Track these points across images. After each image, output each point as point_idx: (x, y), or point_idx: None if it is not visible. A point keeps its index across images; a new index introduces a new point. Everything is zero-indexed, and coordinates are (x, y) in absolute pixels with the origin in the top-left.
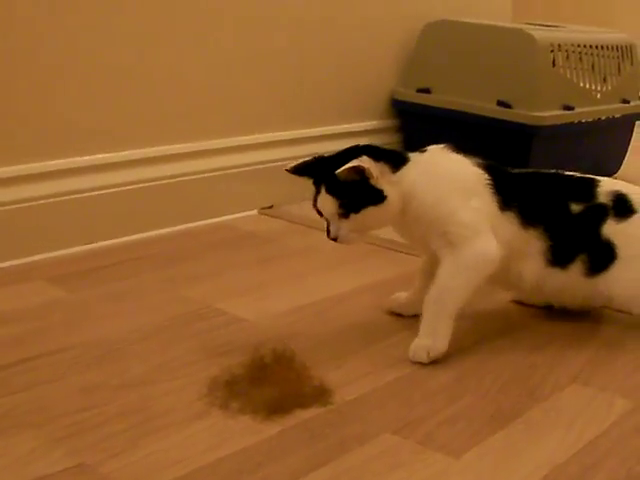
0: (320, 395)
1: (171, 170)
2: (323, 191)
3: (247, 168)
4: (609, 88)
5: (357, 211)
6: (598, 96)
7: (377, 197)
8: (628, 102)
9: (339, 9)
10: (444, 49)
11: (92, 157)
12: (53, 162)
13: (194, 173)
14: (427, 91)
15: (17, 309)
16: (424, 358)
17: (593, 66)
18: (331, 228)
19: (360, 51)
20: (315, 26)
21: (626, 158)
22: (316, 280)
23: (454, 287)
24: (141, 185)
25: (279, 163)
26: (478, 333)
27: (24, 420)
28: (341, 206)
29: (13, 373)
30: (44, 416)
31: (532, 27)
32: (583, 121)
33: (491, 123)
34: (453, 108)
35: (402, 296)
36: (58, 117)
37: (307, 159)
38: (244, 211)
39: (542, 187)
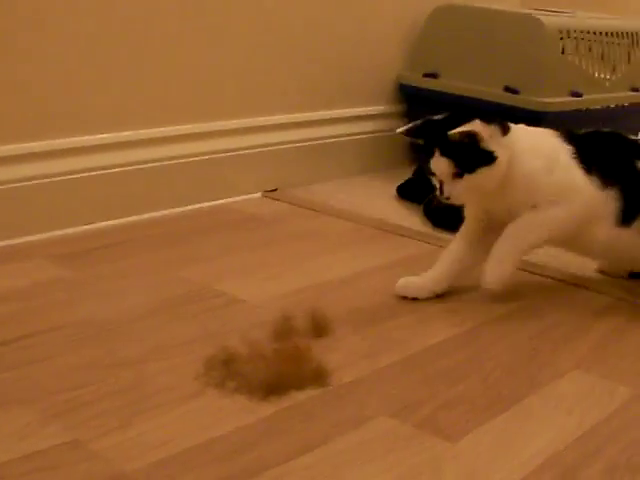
0: (317, 377)
1: (174, 151)
2: (437, 153)
3: (251, 151)
4: (618, 76)
5: (471, 171)
6: (607, 84)
7: (489, 158)
8: (638, 90)
9: None
10: (452, 34)
11: (93, 137)
12: (54, 141)
13: (197, 155)
14: (434, 76)
15: (15, 287)
16: (494, 283)
17: (602, 53)
18: (445, 188)
19: (367, 35)
20: (322, 9)
21: None
22: (318, 263)
23: (533, 230)
24: (143, 166)
25: (284, 146)
26: (481, 317)
27: (18, 396)
28: (456, 167)
29: (9, 350)
30: (38, 393)
31: (541, 13)
32: (591, 108)
33: (498, 109)
34: (460, 93)
35: (416, 280)
36: (63, 95)
37: (417, 122)
38: (248, 194)
39: (612, 148)
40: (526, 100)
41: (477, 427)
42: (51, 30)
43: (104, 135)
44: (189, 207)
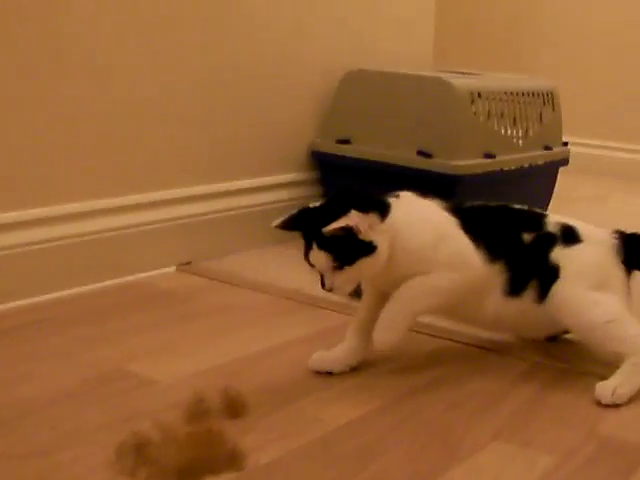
0: (232, 460)
1: (83, 227)
2: (315, 247)
3: (164, 224)
4: (531, 135)
5: (350, 264)
6: (520, 143)
7: (368, 249)
8: (551, 149)
9: (254, 58)
10: (363, 98)
11: (2, 215)
12: None
13: (107, 230)
14: (347, 142)
15: None
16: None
17: (514, 113)
18: (326, 281)
19: (278, 102)
20: (230, 76)
21: (550, 204)
22: (234, 338)
23: (422, 294)
24: (53, 243)
25: (197, 218)
26: (396, 391)
27: None
28: (334, 260)
29: None
30: None
31: (451, 75)
32: (505, 169)
33: (412, 173)
34: (373, 159)
35: (330, 354)
36: None
37: (293, 212)
38: (161, 268)
39: (499, 220)
40: (439, 164)
41: None
42: None
43: (9, 214)
44: (103, 283)
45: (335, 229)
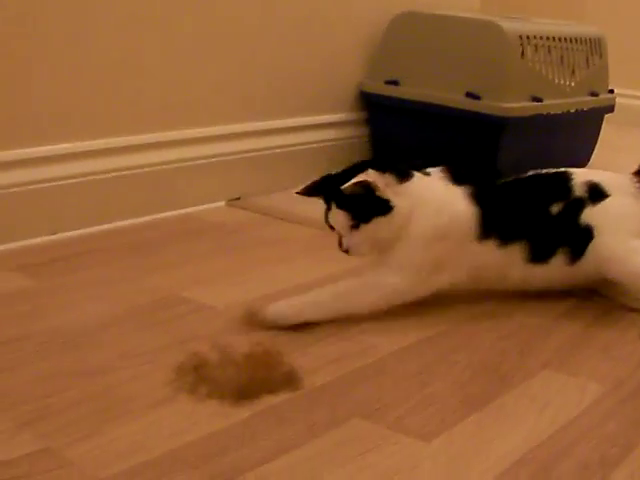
0: (289, 381)
1: (137, 160)
2: (333, 207)
3: (214, 159)
4: (578, 81)
5: (367, 221)
6: (567, 88)
7: (384, 207)
8: (597, 95)
9: (306, 1)
10: (412, 41)
11: (56, 146)
12: (14, 151)
13: (160, 164)
14: (395, 83)
15: None
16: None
17: (562, 59)
18: (343, 240)
19: (328, 43)
20: (284, 18)
21: (595, 151)
22: (284, 269)
23: (357, 300)
24: (107, 175)
25: (246, 154)
26: (449, 320)
27: None
28: (351, 218)
29: None
30: (7, 402)
31: (500, 18)
32: (552, 113)
33: (460, 114)
34: (421, 100)
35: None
36: (21, 106)
37: (315, 179)
38: (211, 202)
39: (526, 197)
40: (487, 105)
41: (450, 427)
42: None
43: (65, 145)
44: (153, 216)
45: (354, 184)
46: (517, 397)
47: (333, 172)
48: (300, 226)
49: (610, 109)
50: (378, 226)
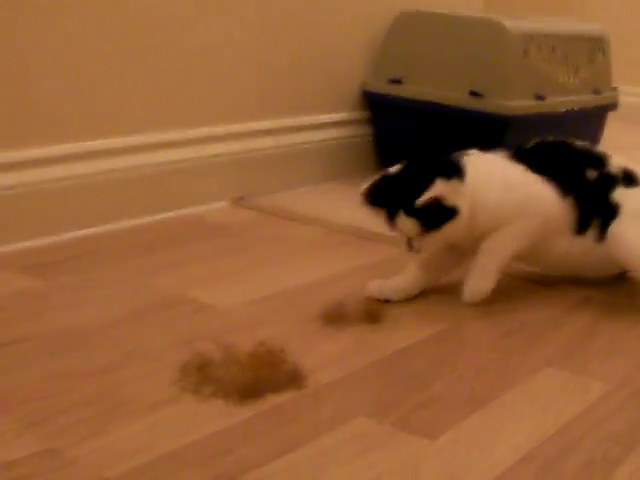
0: (293, 379)
1: (140, 160)
2: (402, 214)
3: (218, 159)
4: (581, 79)
5: (437, 228)
6: (570, 86)
7: (452, 213)
8: (600, 93)
9: None
10: (416, 40)
11: (59, 147)
12: (19, 152)
13: (164, 164)
14: (398, 82)
15: None
16: (475, 298)
17: (565, 57)
18: (414, 244)
19: (331, 42)
20: (286, 16)
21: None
22: (288, 268)
23: (508, 244)
24: (111, 176)
25: (249, 154)
26: (452, 319)
27: None
28: (422, 225)
29: None
30: (11, 402)
31: (503, 17)
32: (555, 111)
33: (463, 113)
34: (425, 99)
35: (389, 282)
36: (26, 105)
37: (375, 179)
38: (215, 202)
39: (563, 157)
40: (491, 104)
41: (454, 425)
42: None
43: (69, 145)
44: (157, 217)
45: (427, 200)
46: (521, 395)
47: (390, 171)
48: (304, 225)
49: (614, 107)
50: (447, 230)
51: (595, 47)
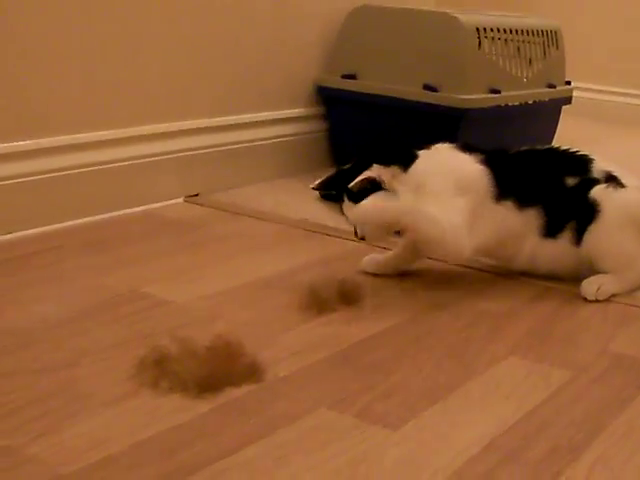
0: (251, 373)
1: (94, 157)
2: (346, 200)
3: (172, 155)
4: (535, 72)
5: None
6: (524, 80)
7: None
8: (554, 87)
9: None
10: (369, 34)
11: (15, 144)
12: None
13: (118, 160)
14: (352, 77)
15: None
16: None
17: (519, 50)
18: (358, 230)
19: (285, 38)
20: (239, 12)
21: (553, 143)
22: (244, 263)
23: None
24: (62, 173)
25: (204, 151)
26: (410, 310)
27: None
28: None
29: None
30: None
31: (457, 11)
32: (510, 104)
33: (418, 107)
34: (379, 93)
35: (380, 256)
36: None
37: (330, 174)
38: (169, 199)
39: (542, 165)
40: (445, 97)
41: (417, 415)
42: None
43: (23, 142)
44: (113, 214)
45: (359, 182)
46: (483, 384)
47: (344, 167)
48: (259, 221)
49: (568, 100)
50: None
51: (548, 41)
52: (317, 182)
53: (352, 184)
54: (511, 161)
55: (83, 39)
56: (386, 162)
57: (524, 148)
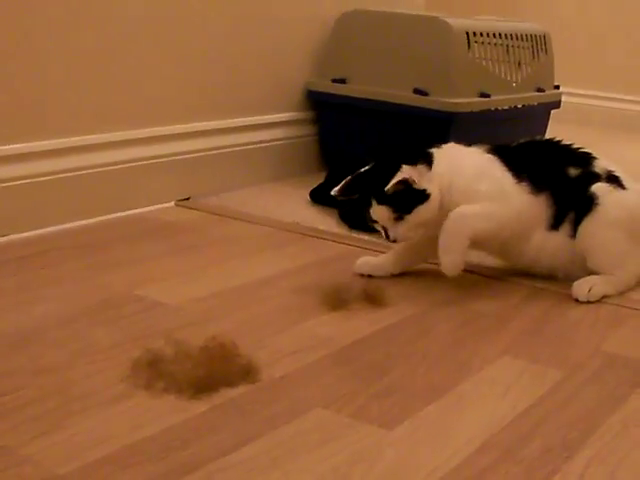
0: (247, 373)
1: (87, 161)
2: (374, 203)
3: (164, 159)
4: (524, 77)
5: (409, 212)
6: (514, 84)
7: (422, 196)
8: (543, 91)
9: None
10: (359, 39)
11: (7, 147)
12: None
13: (111, 164)
14: (343, 81)
15: None
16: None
17: (508, 55)
18: (390, 232)
19: (275, 42)
20: (230, 17)
21: None
22: (237, 266)
23: (470, 216)
24: (56, 176)
25: (195, 154)
26: (405, 312)
27: None
28: (394, 211)
29: None
30: None
31: (447, 15)
32: (499, 108)
33: (408, 111)
34: (369, 97)
35: (374, 259)
36: None
37: (347, 180)
38: (161, 203)
39: (544, 155)
40: (435, 101)
41: (412, 414)
42: None
43: (19, 145)
44: (104, 217)
45: (395, 184)
46: (477, 384)
47: (361, 170)
48: (250, 224)
49: (556, 105)
50: (420, 213)
51: (538, 46)
52: (336, 189)
53: (388, 186)
54: (516, 151)
55: (77, 43)
56: (414, 162)
57: (524, 140)
